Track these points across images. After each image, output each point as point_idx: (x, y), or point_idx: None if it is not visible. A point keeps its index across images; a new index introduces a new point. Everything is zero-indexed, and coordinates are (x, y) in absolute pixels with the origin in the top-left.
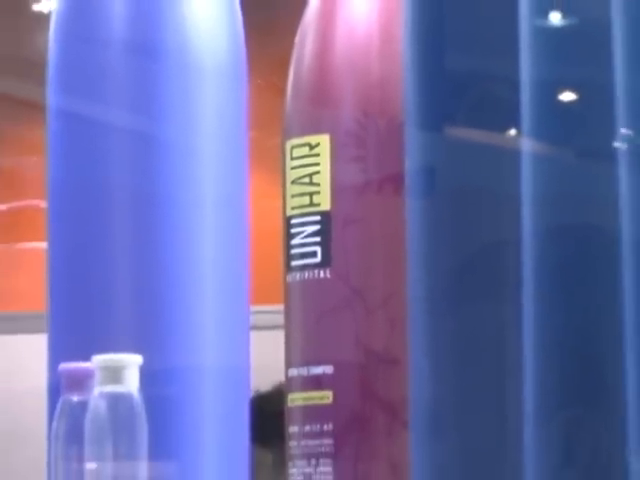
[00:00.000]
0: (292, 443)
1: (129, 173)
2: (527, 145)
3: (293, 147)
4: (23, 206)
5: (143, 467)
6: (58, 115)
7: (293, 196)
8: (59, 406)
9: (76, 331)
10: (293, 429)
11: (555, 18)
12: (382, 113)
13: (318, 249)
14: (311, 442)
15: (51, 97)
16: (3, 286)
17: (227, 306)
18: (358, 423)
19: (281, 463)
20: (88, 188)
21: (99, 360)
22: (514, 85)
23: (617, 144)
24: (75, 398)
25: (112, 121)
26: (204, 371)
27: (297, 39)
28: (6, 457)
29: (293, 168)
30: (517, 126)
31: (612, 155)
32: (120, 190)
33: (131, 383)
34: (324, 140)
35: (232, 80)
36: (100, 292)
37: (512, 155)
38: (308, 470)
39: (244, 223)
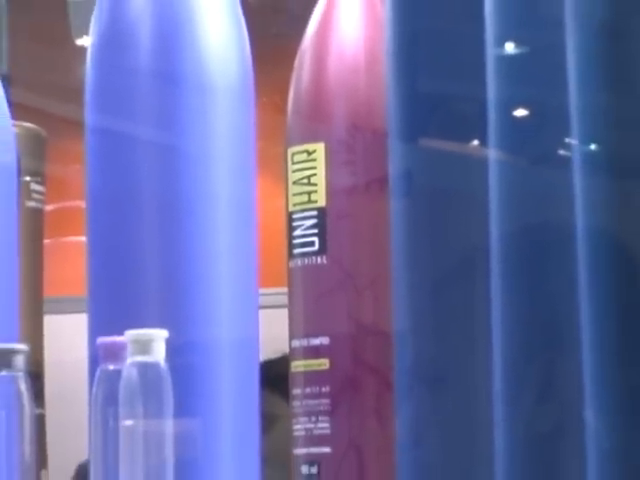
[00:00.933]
0: (295, 403)
1: (155, 178)
2: (492, 154)
3: (294, 154)
4: (67, 206)
5: (169, 424)
6: (94, 131)
7: (294, 195)
8: (97, 374)
9: (111, 310)
10: (296, 391)
11: (516, 46)
12: (368, 125)
13: (316, 239)
14: (311, 402)
15: (88, 116)
16: (51, 274)
17: (239, 288)
18: (351, 385)
19: None
20: (119, 190)
21: (131, 334)
22: (481, 103)
23: (570, 153)
24: (111, 367)
25: (139, 136)
26: (220, 343)
27: (296, 64)
28: (57, 417)
29: (294, 171)
30: (483, 138)
31: (566, 163)
32: (147, 192)
33: (158, 354)
34: (320, 148)
35: (242, 99)
36: (131, 278)
37: (479, 163)
38: (309, 426)
39: (253, 218)
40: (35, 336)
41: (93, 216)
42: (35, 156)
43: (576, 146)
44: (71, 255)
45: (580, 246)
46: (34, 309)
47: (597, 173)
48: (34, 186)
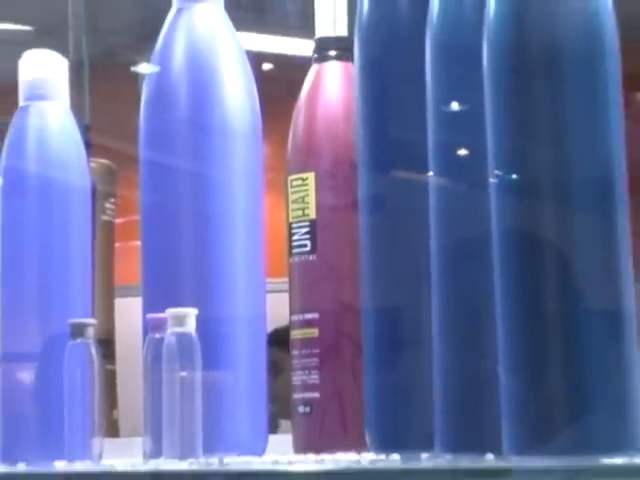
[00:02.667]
0: (294, 361)
1: (190, 197)
2: (431, 182)
3: (292, 180)
4: (132, 220)
5: (199, 376)
6: (145, 164)
7: (292, 210)
8: (147, 341)
9: (157, 295)
10: (295, 352)
11: (448, 102)
12: (346, 160)
13: (308, 242)
14: (305, 360)
15: (142, 153)
16: (121, 268)
17: (252, 278)
18: (334, 348)
19: None
20: (164, 208)
21: (171, 312)
22: (423, 144)
23: (490, 181)
24: (157, 336)
25: (179, 169)
26: (237, 318)
27: (293, 115)
28: (125, 371)
29: (292, 193)
30: (426, 170)
31: (486, 188)
32: (184, 208)
33: (191, 326)
34: (311, 176)
35: (254, 141)
36: (172, 271)
37: (424, 188)
38: (304, 377)
39: (262, 227)
40: (108, 313)
41: (146, 226)
42: (108, 183)
43: (494, 175)
44: (135, 255)
45: (494, 251)
46: (107, 294)
47: (508, 197)
48: (107, 205)
